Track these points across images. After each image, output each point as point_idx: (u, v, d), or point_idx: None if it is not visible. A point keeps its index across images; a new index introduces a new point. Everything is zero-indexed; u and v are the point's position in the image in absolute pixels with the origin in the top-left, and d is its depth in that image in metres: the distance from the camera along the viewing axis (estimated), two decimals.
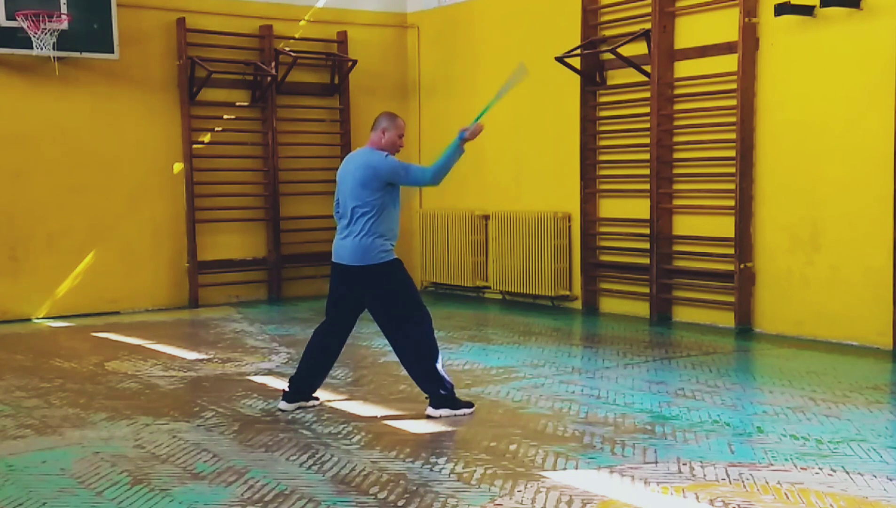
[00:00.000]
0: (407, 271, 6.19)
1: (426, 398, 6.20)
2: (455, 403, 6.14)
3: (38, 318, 10.57)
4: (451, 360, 7.80)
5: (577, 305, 10.81)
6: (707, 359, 7.90)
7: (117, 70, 10.84)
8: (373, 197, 5.95)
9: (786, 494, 4.57)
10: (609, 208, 10.56)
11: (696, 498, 4.53)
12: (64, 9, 10.09)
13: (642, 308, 10.01)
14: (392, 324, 6.11)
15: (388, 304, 6.08)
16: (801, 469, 4.95)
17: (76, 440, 5.72)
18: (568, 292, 10.91)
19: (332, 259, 6.18)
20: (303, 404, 6.33)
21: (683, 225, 9.75)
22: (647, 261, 9.89)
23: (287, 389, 6.35)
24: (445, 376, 6.15)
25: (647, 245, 9.88)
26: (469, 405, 6.20)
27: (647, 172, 9.85)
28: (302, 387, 6.33)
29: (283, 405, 6.32)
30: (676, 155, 9.78)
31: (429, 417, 6.08)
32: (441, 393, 6.09)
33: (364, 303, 6.16)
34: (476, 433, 5.75)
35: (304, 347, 6.43)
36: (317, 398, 6.43)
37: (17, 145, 10.43)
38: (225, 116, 11.67)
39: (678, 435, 5.62)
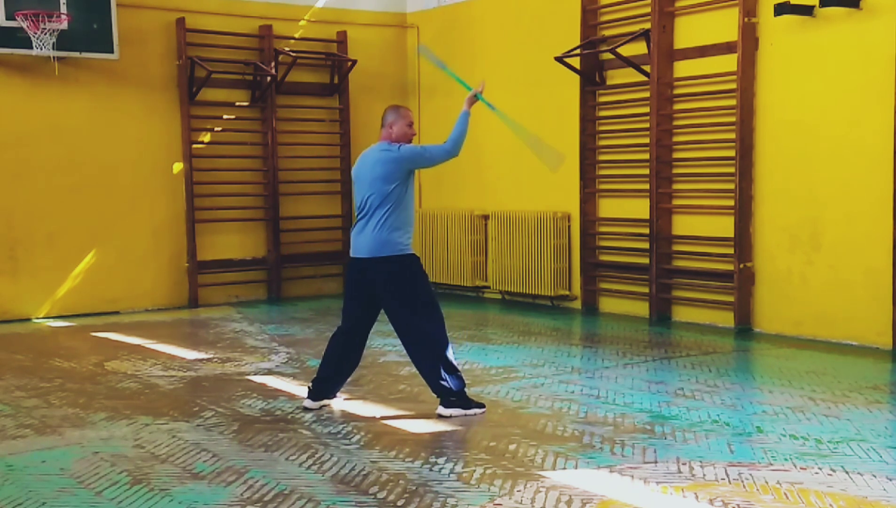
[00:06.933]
0: (423, 268, 6.21)
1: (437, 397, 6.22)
2: (467, 403, 6.14)
3: (38, 318, 10.57)
4: None
5: (577, 305, 10.81)
6: (707, 359, 7.90)
7: (117, 70, 10.84)
8: (391, 190, 5.99)
9: (785, 494, 4.57)
10: (609, 207, 10.56)
11: (696, 498, 4.53)
12: (63, 9, 10.08)
13: (642, 308, 10.01)
14: (404, 318, 6.10)
15: (402, 297, 6.07)
16: (801, 468, 4.95)
17: (76, 440, 5.72)
18: (567, 292, 10.92)
19: (350, 254, 6.20)
20: (325, 402, 6.38)
21: (683, 225, 9.75)
22: (646, 261, 9.89)
23: (311, 387, 6.40)
24: (457, 374, 6.13)
25: (646, 245, 9.88)
26: (480, 405, 6.20)
27: (647, 172, 9.85)
28: (326, 388, 6.38)
29: (307, 402, 6.35)
30: (676, 155, 9.78)
31: (439, 416, 6.07)
32: (446, 388, 6.05)
33: (379, 299, 6.15)
34: (476, 433, 5.75)
35: (325, 348, 6.42)
36: (336, 397, 6.47)
37: (17, 145, 10.43)
38: (225, 116, 11.67)
39: (678, 435, 5.62)
